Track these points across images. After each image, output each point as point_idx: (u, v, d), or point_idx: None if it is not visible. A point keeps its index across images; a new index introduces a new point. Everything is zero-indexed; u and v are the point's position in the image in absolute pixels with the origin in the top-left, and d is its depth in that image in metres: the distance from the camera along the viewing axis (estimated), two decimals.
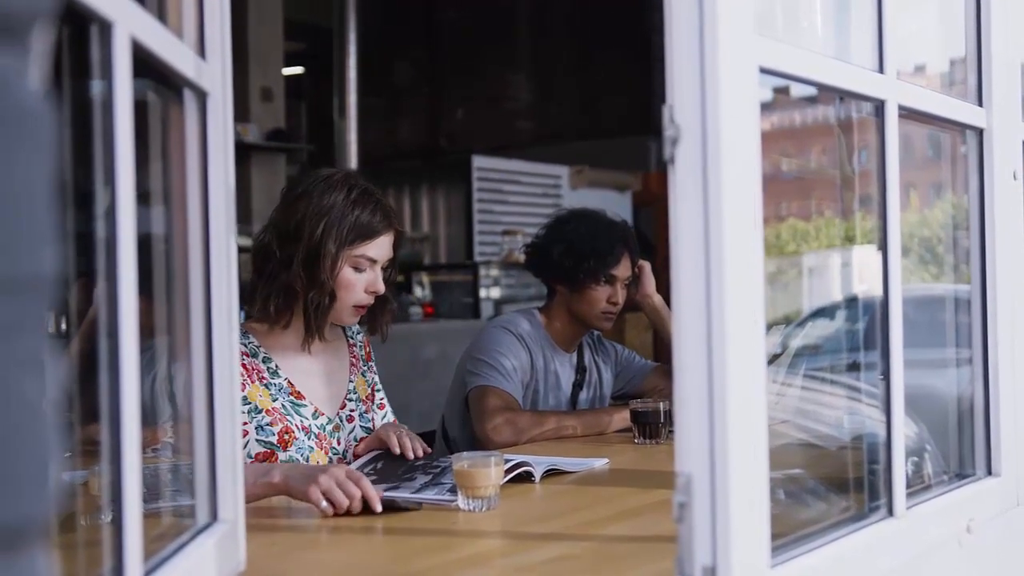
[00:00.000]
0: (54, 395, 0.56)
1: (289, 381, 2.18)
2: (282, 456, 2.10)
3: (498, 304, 6.86)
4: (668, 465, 1.80)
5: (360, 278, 2.16)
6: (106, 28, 0.91)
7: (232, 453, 1.32)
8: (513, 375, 2.73)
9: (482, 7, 8.98)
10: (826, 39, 1.65)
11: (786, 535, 1.24)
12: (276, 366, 2.18)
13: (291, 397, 2.17)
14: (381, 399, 2.40)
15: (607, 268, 2.81)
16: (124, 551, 0.93)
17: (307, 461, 2.13)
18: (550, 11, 8.98)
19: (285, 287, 2.12)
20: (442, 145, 9.44)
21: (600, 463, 2.24)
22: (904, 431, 1.46)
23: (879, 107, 1.45)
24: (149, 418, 1.20)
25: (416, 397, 4.86)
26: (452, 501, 1.80)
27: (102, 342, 0.93)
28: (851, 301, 1.91)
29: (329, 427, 2.21)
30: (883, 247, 1.45)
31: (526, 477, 2.03)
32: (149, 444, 1.20)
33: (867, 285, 1.73)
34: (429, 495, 1.85)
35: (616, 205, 6.87)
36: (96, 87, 0.92)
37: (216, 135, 1.29)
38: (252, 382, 2.12)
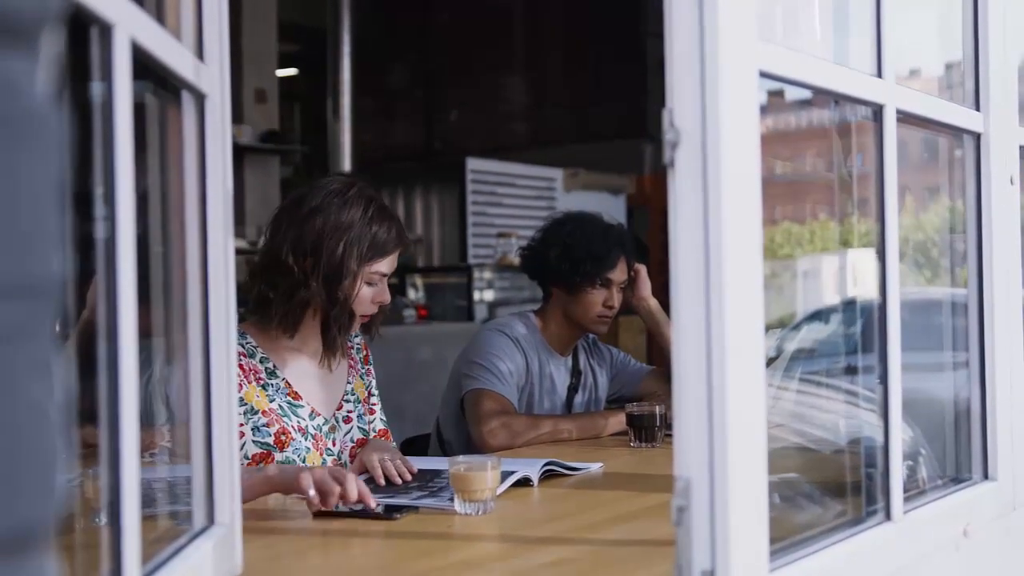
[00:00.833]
0: (61, 399, 0.56)
1: (287, 381, 2.18)
2: (279, 457, 2.10)
3: (492, 307, 6.86)
4: (665, 469, 1.80)
5: (370, 291, 2.18)
6: (106, 30, 0.91)
7: (229, 457, 1.31)
8: (509, 378, 2.73)
9: (476, 9, 8.98)
10: (824, 43, 1.65)
11: (784, 539, 1.24)
12: (274, 366, 2.18)
13: (288, 398, 2.17)
14: (373, 404, 2.40)
15: (603, 272, 2.81)
16: (122, 554, 0.93)
17: (303, 462, 2.12)
18: (544, 14, 8.98)
19: (302, 304, 2.13)
20: (436, 147, 9.44)
21: (595, 467, 2.24)
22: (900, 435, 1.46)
23: (877, 111, 1.45)
24: (144, 419, 1.19)
25: (410, 400, 4.85)
26: (448, 505, 1.80)
27: (100, 345, 0.93)
28: (846, 305, 1.92)
29: (325, 428, 2.21)
30: (881, 251, 1.45)
31: (523, 481, 2.03)
32: (146, 448, 1.20)
33: (862, 289, 1.73)
34: (427, 503, 1.85)
35: (610, 208, 6.86)
36: (96, 89, 0.91)
37: (214, 137, 1.29)
38: (249, 383, 2.12)
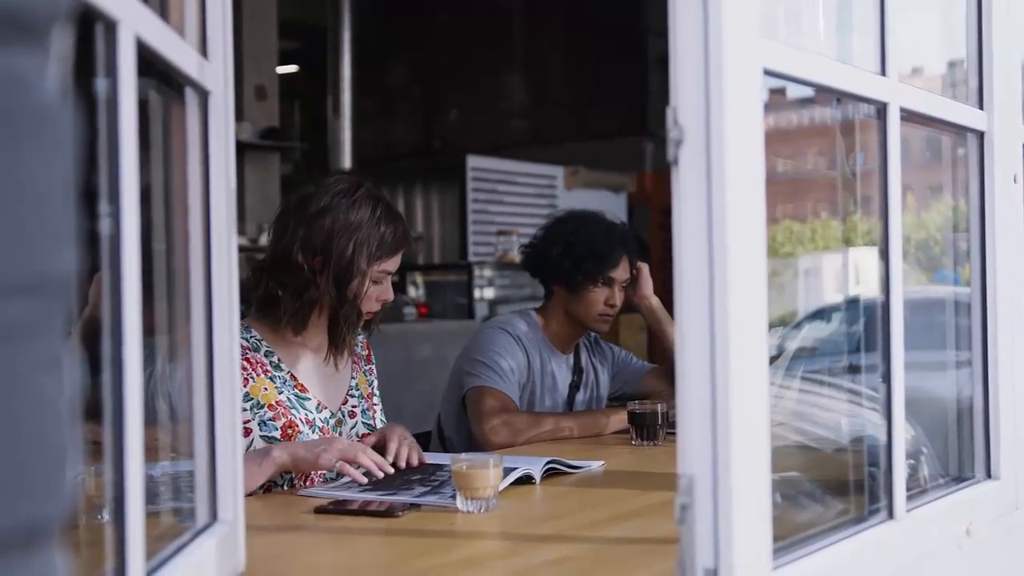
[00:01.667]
0: (71, 396, 0.55)
1: (292, 375, 2.19)
2: None
3: (492, 304, 6.86)
4: (667, 467, 1.80)
5: (376, 289, 2.21)
6: (111, 27, 0.91)
7: (232, 453, 1.31)
8: (510, 376, 2.73)
9: (477, 7, 8.97)
10: (828, 41, 1.65)
11: (787, 537, 1.24)
12: (279, 359, 2.19)
13: (295, 390, 2.18)
14: (375, 403, 2.40)
15: (606, 270, 2.81)
16: (126, 551, 0.93)
17: None
18: (544, 12, 8.98)
19: (311, 302, 2.15)
20: (436, 145, 9.43)
21: (596, 465, 2.24)
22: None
23: (881, 109, 1.45)
24: (147, 416, 1.19)
25: (411, 397, 4.85)
26: (451, 503, 1.80)
27: (105, 341, 0.92)
28: (848, 303, 1.91)
29: (332, 421, 2.23)
30: (884, 249, 1.45)
31: (526, 479, 2.03)
32: (150, 445, 1.20)
33: (864, 287, 1.73)
34: (428, 500, 1.85)
35: (611, 206, 6.87)
36: (100, 85, 0.91)
37: (217, 134, 1.29)
38: (257, 375, 2.13)
